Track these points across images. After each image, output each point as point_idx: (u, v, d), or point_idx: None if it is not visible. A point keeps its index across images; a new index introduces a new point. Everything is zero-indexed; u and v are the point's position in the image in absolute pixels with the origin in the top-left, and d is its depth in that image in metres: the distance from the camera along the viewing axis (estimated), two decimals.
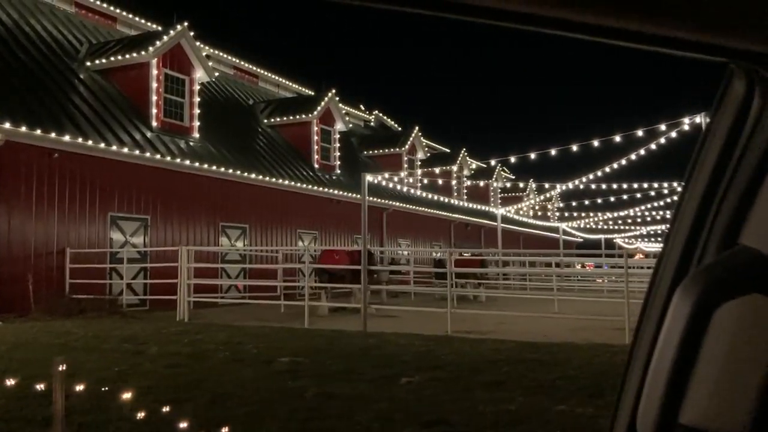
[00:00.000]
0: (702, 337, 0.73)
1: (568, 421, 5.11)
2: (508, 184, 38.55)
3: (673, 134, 11.23)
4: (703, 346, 0.73)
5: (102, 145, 15.14)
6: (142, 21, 22.17)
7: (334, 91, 24.86)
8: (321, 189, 22.54)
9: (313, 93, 27.91)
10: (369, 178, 12.57)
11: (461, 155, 32.89)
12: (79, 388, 5.96)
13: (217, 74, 21.36)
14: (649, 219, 29.77)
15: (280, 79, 29.10)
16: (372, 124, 35.97)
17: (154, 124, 17.55)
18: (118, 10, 21.57)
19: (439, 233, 30.56)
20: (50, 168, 14.41)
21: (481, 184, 32.88)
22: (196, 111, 18.91)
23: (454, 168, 31.67)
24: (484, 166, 34.81)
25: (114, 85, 17.74)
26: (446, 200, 24.22)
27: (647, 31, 0.73)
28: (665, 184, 20.63)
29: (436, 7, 0.73)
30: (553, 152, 12.75)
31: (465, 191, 33.48)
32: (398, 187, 21.22)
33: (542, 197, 31.71)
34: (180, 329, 11.35)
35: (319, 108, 24.21)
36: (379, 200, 24.74)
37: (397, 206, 26.14)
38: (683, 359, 0.74)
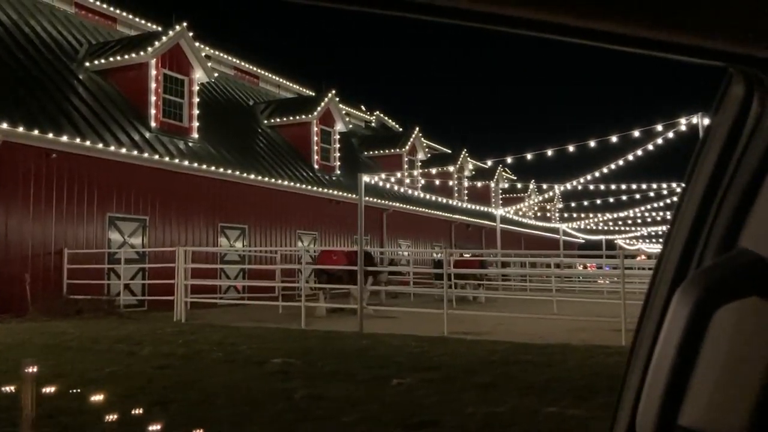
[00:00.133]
0: (701, 339, 0.73)
1: (558, 424, 5.06)
2: (509, 185, 38.51)
3: (672, 135, 11.19)
4: (703, 348, 0.73)
5: (100, 145, 15.14)
6: (142, 21, 22.18)
7: (334, 91, 24.85)
8: (321, 190, 22.52)
9: (313, 94, 27.90)
10: (366, 178, 12.54)
11: (462, 156, 32.84)
12: (68, 389, 5.94)
13: (216, 75, 21.38)
14: (649, 220, 29.71)
15: (281, 80, 29.10)
16: (373, 124, 35.95)
17: (153, 124, 17.54)
18: (118, 11, 21.59)
19: (439, 234, 30.51)
20: (48, 168, 14.41)
21: (478, 185, 32.85)
22: (195, 111, 18.90)
23: (455, 168, 31.63)
24: (485, 166, 34.77)
25: (113, 85, 17.74)
26: (446, 201, 24.18)
27: (647, 36, 0.73)
28: (664, 185, 20.57)
29: (435, 14, 0.73)
30: (550, 153, 12.71)
31: (466, 192, 33.43)
32: (396, 187, 21.17)
33: (542, 197, 31.65)
34: (176, 330, 11.33)
35: (319, 108, 24.19)
36: (379, 201, 24.72)
37: (397, 207, 26.11)
38: (682, 361, 0.74)
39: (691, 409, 0.73)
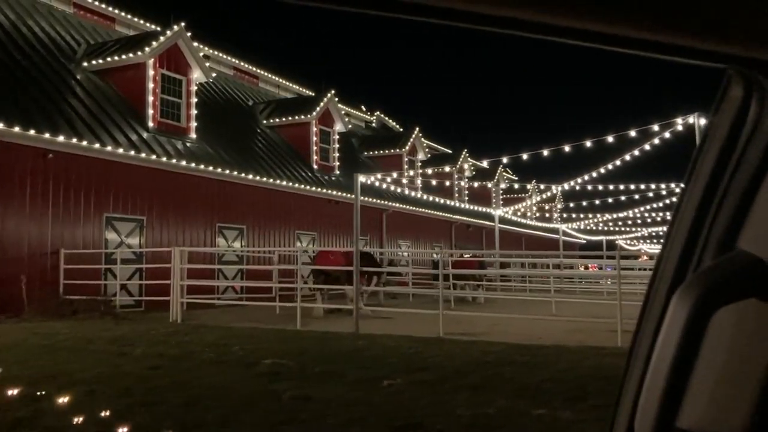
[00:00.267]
0: (700, 341, 0.73)
1: (546, 426, 5.00)
2: (508, 185, 38.44)
3: (668, 135, 11.12)
4: (701, 350, 0.73)
5: (97, 145, 15.10)
6: (141, 21, 22.16)
7: (333, 91, 24.80)
8: (319, 190, 22.47)
9: (313, 94, 27.86)
10: (362, 178, 12.48)
11: (462, 156, 32.77)
12: (55, 390, 5.90)
13: (215, 75, 21.32)
14: (649, 221, 29.62)
15: (281, 80, 29.06)
16: (373, 124, 35.89)
17: (151, 124, 17.51)
18: (116, 11, 21.57)
19: (439, 235, 30.44)
20: (45, 168, 14.38)
21: (476, 185, 32.77)
22: (193, 111, 18.87)
23: (455, 169, 31.56)
24: (486, 167, 34.69)
25: (111, 85, 17.72)
26: (445, 201, 24.11)
27: (647, 37, 0.74)
28: (663, 186, 20.49)
29: (432, 15, 0.73)
30: (546, 153, 12.63)
31: (466, 192, 33.35)
32: (393, 187, 21.11)
33: (541, 197, 31.55)
34: (170, 330, 11.29)
35: (318, 109, 24.14)
36: (378, 201, 24.67)
37: (397, 207, 26.05)
38: (681, 362, 0.74)
39: (690, 410, 0.73)
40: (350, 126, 27.73)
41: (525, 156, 13.58)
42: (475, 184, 32.78)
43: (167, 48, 18.15)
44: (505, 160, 13.96)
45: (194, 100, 19.02)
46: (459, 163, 32.31)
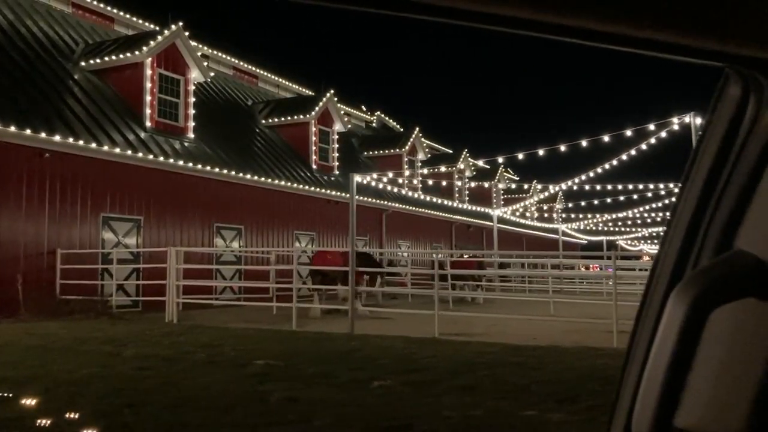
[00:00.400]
0: (697, 341, 0.73)
1: (534, 427, 4.94)
2: (509, 185, 38.36)
3: (664, 135, 11.05)
4: (699, 350, 0.73)
5: (93, 145, 15.07)
6: (140, 21, 22.14)
7: (332, 91, 24.75)
8: (318, 190, 22.41)
9: (313, 94, 27.82)
10: (358, 178, 12.43)
11: (463, 156, 32.69)
12: (40, 391, 5.85)
13: (213, 74, 21.29)
14: (649, 221, 29.53)
15: (280, 80, 29.02)
16: (374, 124, 35.84)
17: (148, 124, 17.48)
18: (115, 10, 21.55)
19: (440, 235, 30.37)
20: (41, 168, 14.35)
21: (472, 185, 32.71)
22: (191, 111, 18.83)
23: (456, 169, 31.48)
24: (487, 167, 34.62)
25: (108, 85, 17.69)
26: (443, 202, 24.04)
27: (645, 36, 0.74)
28: (661, 186, 20.42)
29: (438, 14, 0.73)
30: (541, 152, 12.57)
31: (467, 192, 33.28)
32: (390, 188, 21.04)
33: (541, 196, 31.46)
34: (165, 331, 11.25)
35: (317, 108, 24.09)
36: (378, 201, 24.61)
37: (397, 207, 25.99)
38: (678, 362, 0.74)
39: (687, 410, 0.73)
40: (350, 126, 27.68)
41: (521, 156, 13.53)
42: (472, 184, 32.73)
43: (165, 48, 18.11)
44: (500, 160, 13.91)
45: (192, 99, 18.98)
46: (459, 163, 32.23)
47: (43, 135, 13.97)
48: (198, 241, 17.97)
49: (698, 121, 9.81)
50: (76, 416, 4.95)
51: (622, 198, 22.30)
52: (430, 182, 26.30)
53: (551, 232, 36.21)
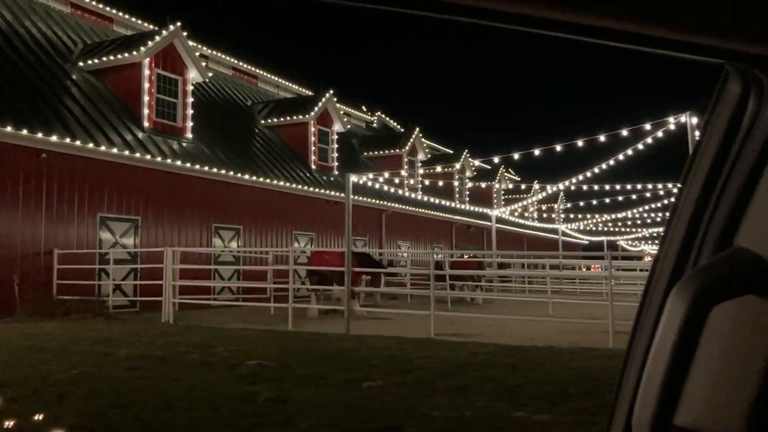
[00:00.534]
0: (697, 338, 0.73)
1: (521, 428, 4.89)
2: (511, 186, 38.28)
3: (660, 134, 11.00)
4: (699, 347, 0.73)
5: (90, 145, 15.06)
6: (139, 21, 22.14)
7: (331, 91, 24.71)
8: (317, 190, 22.38)
9: (313, 94, 27.79)
10: (354, 178, 12.39)
11: (463, 156, 32.63)
12: (28, 392, 5.82)
13: (211, 74, 21.23)
14: (649, 221, 29.44)
15: (280, 80, 29.00)
16: (374, 125, 35.80)
17: (146, 124, 17.46)
18: (114, 11, 21.55)
19: (440, 235, 30.32)
20: (38, 168, 14.34)
21: (469, 185, 32.64)
22: (189, 111, 18.80)
23: (456, 169, 31.42)
24: (488, 167, 34.56)
25: (106, 85, 17.68)
26: (443, 202, 23.98)
27: (645, 32, 0.74)
28: (666, 185, 20.35)
29: (439, 10, 0.73)
30: (537, 152, 12.52)
31: (467, 192, 33.21)
32: (388, 188, 20.99)
33: (540, 196, 31.37)
34: (160, 331, 11.22)
35: (316, 109, 24.05)
36: (378, 202, 24.57)
37: (397, 208, 25.95)
38: (678, 360, 0.74)
39: (688, 407, 0.73)
40: (349, 126, 27.63)
41: (516, 156, 13.46)
42: (469, 185, 32.66)
43: (163, 48, 18.09)
44: (496, 160, 13.84)
45: (190, 100, 18.96)
46: (460, 163, 32.17)
47: (39, 135, 13.96)
48: (196, 241, 17.95)
49: (694, 120, 9.76)
50: (60, 417, 4.91)
51: (620, 198, 22.23)
52: (427, 182, 26.23)
53: (551, 233, 36.13)
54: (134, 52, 17.51)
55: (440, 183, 27.32)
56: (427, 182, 26.77)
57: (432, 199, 23.48)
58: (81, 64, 17.74)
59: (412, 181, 27.54)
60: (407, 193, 23.82)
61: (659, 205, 24.50)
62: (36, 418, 4.87)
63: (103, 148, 15.33)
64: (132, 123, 17.14)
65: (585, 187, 18.33)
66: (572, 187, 17.54)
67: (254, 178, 19.63)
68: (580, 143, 12.64)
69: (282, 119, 24.03)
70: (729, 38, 0.74)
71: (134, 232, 16.40)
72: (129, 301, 15.63)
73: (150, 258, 15.66)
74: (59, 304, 13.59)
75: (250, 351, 8.74)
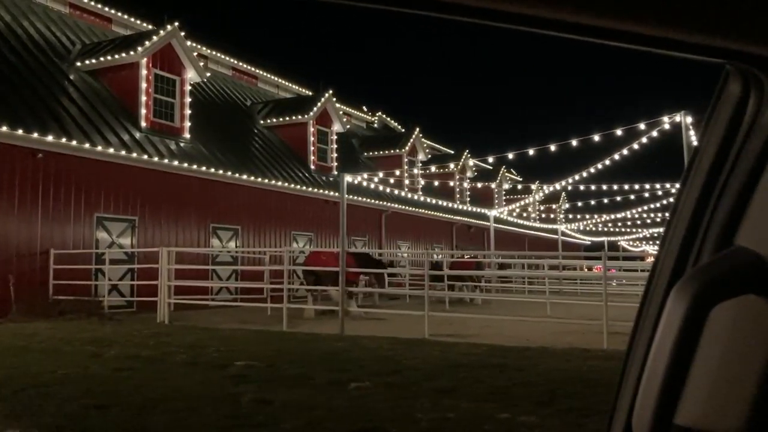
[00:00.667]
0: (697, 337, 0.73)
1: (506, 431, 4.82)
2: (512, 186, 38.18)
3: (655, 134, 10.92)
4: (699, 346, 0.73)
5: (87, 145, 15.03)
6: (138, 22, 22.11)
7: (331, 91, 24.65)
8: (316, 190, 22.32)
9: (312, 94, 27.74)
10: (348, 178, 12.34)
11: (463, 156, 32.54)
12: (10, 392, 5.78)
13: (209, 74, 21.17)
14: (649, 222, 29.32)
15: (280, 80, 28.96)
16: (375, 125, 35.74)
17: (144, 124, 17.43)
18: (113, 11, 21.54)
19: (440, 235, 30.24)
20: (34, 168, 14.32)
21: (466, 185, 32.54)
22: (187, 111, 18.77)
23: (456, 169, 31.34)
24: (489, 167, 34.49)
25: (104, 85, 17.66)
26: (443, 203, 23.91)
27: (645, 32, 0.74)
28: (657, 186, 20.27)
29: (439, 10, 0.73)
30: (532, 152, 12.44)
31: (468, 193, 33.11)
32: (389, 189, 20.91)
33: (541, 195, 31.28)
34: (154, 331, 11.18)
35: (315, 109, 23.99)
36: (377, 202, 24.51)
37: (396, 208, 25.88)
38: (678, 359, 0.74)
39: (688, 407, 0.73)
40: (349, 126, 27.58)
41: (511, 156, 13.39)
42: (466, 184, 32.56)
43: (160, 48, 18.07)
44: (491, 159, 13.75)
45: (188, 100, 18.92)
46: (460, 163, 32.08)
47: (35, 135, 13.93)
48: (194, 241, 17.92)
49: (689, 120, 9.68)
50: (38, 418, 4.86)
51: (618, 198, 22.13)
52: (434, 183, 26.16)
53: (552, 233, 36.02)
54: (131, 52, 17.48)
55: (435, 183, 27.25)
56: (427, 182, 26.69)
57: (432, 200, 23.40)
58: (78, 64, 17.72)
59: (407, 181, 27.47)
60: (409, 194, 23.74)
61: (658, 205, 24.38)
62: (14, 420, 4.82)
63: (99, 148, 15.31)
64: (129, 123, 17.12)
65: (583, 187, 18.23)
66: (572, 187, 17.43)
67: (252, 178, 19.58)
68: (574, 143, 12.55)
69: (281, 119, 23.98)
70: (729, 38, 0.74)
71: (131, 232, 16.37)
72: (126, 301, 15.60)
73: (147, 258, 15.62)
74: (55, 304, 13.57)
75: (240, 351, 8.69)
